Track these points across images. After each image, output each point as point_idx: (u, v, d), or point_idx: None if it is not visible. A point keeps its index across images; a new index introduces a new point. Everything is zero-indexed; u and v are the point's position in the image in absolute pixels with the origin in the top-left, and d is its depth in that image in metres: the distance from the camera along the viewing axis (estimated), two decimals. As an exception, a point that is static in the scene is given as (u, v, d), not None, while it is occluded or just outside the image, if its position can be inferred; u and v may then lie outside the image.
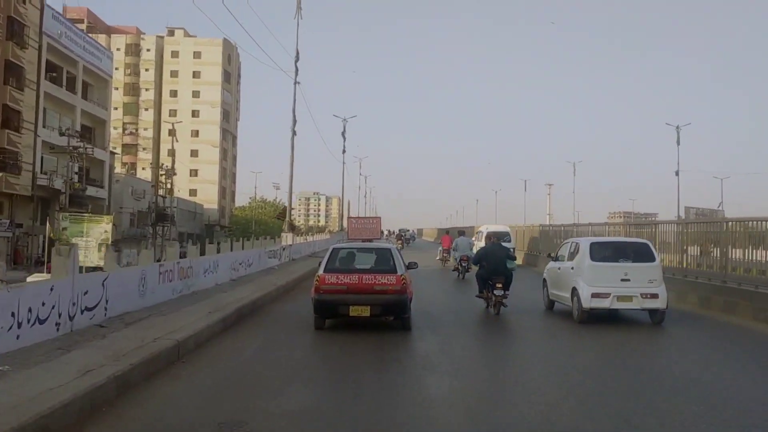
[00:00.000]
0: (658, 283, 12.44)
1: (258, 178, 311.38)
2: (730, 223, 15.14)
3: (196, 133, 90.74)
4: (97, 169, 54.69)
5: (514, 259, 15.18)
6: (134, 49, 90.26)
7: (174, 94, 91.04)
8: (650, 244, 13.39)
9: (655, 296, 12.24)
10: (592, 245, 13.12)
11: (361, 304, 10.82)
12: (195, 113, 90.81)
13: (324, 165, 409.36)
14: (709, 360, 9.67)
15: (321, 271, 11.27)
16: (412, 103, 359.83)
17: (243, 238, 25.26)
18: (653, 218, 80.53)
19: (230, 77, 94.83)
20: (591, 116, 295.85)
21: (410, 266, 12.46)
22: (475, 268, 15.29)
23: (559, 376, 8.29)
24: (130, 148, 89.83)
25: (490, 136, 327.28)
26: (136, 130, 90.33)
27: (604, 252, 12.94)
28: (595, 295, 12.30)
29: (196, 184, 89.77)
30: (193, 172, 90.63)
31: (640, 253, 12.86)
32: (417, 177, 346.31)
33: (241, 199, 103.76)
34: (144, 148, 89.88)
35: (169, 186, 59.59)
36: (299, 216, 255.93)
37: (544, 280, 15.24)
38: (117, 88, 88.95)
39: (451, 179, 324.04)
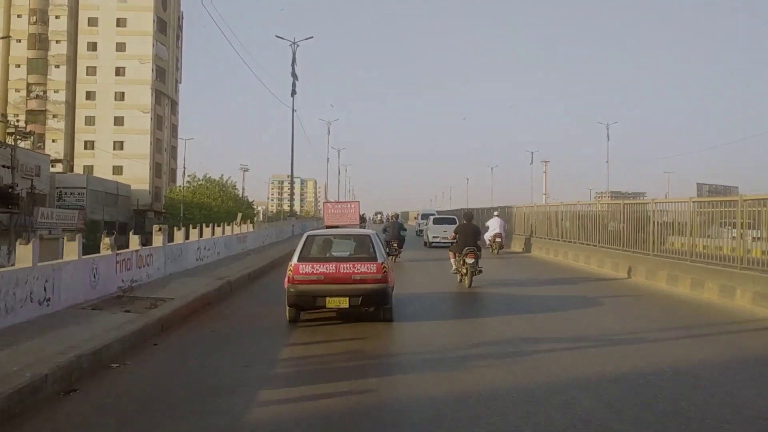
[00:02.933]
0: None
1: (218, 155, 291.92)
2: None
3: (120, 96, 73.14)
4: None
5: (405, 230, 25.79)
6: (41, -9, 71.83)
7: (93, 47, 73.46)
8: (456, 218, 30.32)
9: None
10: (434, 219, 32.94)
11: (338, 295, 10.34)
12: (120, 71, 73.15)
13: (297, 146, 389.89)
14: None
15: (295, 260, 10.68)
16: (395, 73, 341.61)
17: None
18: (641, 198, 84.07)
19: (166, 27, 77.01)
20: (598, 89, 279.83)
21: (391, 253, 14.34)
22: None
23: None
24: (36, 115, 71.62)
25: (485, 110, 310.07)
26: (45, 92, 72.27)
27: (439, 221, 32.05)
28: (434, 237, 30.87)
29: (122, 160, 71.87)
30: (118, 145, 73.09)
31: (451, 221, 29.94)
32: (402, 155, 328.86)
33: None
34: (55, 116, 71.69)
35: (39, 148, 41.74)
36: (271, 200, 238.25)
37: (424, 233, 34.89)
38: (20, 41, 71.01)
39: (442, 156, 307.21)
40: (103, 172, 70.44)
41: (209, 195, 67.91)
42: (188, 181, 70.69)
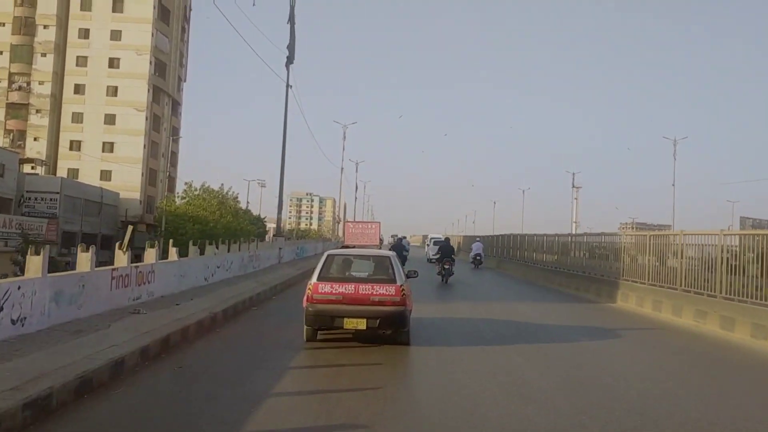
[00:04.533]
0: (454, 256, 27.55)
1: (234, 170, 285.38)
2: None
3: (113, 91, 64.49)
4: None
5: (407, 251, 32.05)
6: (30, -30, 63.76)
7: (84, 34, 65.17)
8: (447, 241, 28.67)
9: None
10: (433, 242, 43.90)
11: (356, 317, 10.43)
12: (113, 63, 64.53)
13: (315, 164, 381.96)
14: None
15: (314, 279, 10.80)
16: (420, 100, 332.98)
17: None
18: (666, 229, 76.11)
19: (169, 16, 68.66)
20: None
21: (410, 275, 12.57)
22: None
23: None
24: (18, 109, 63.24)
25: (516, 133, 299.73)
26: (28, 83, 63.94)
27: (436, 243, 37.81)
28: (433, 255, 35.89)
29: (111, 165, 63.00)
30: (107, 146, 64.17)
31: (441, 242, 30.42)
32: (426, 179, 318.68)
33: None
34: (38, 110, 63.24)
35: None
36: (289, 218, 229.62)
37: (427, 252, 46.02)
38: (3, 24, 62.94)
39: (465, 181, 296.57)
40: (89, 176, 61.79)
41: (206, 207, 58.61)
42: (184, 191, 61.47)
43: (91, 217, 57.17)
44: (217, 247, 22.93)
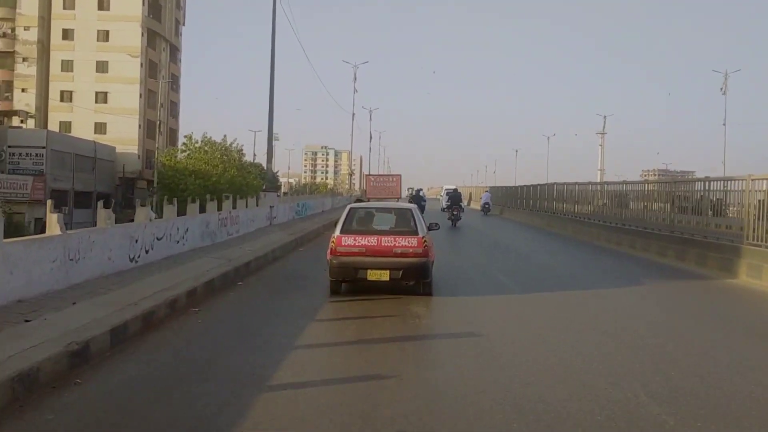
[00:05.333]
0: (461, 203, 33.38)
1: (245, 124, 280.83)
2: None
3: (104, 36, 58.90)
4: None
5: (425, 201, 35.50)
6: None
7: (71, -27, 58.94)
8: (460, 192, 35.98)
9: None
10: (446, 191, 45.75)
11: (380, 268, 10.44)
12: (103, 4, 58.95)
13: (331, 118, 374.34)
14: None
15: (337, 233, 10.85)
16: (439, 49, 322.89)
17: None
18: (690, 176, 68.88)
19: (163, -47, 62.25)
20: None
21: (431, 227, 12.41)
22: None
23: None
24: (4, 58, 58.23)
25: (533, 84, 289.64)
26: (13, 30, 58.70)
27: (447, 194, 40.56)
28: (446, 203, 39.64)
29: (106, 117, 57.94)
30: (101, 97, 59.05)
31: (452, 192, 35.69)
32: (445, 130, 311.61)
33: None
34: (25, 59, 58.05)
35: None
36: (304, 172, 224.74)
37: (441, 201, 49.59)
38: (-18, -34, 57.29)
39: (485, 131, 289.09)
40: (83, 129, 57.12)
41: (208, 161, 53.57)
42: (184, 143, 56.43)
43: (84, 174, 52.51)
44: (220, 205, 18.53)
